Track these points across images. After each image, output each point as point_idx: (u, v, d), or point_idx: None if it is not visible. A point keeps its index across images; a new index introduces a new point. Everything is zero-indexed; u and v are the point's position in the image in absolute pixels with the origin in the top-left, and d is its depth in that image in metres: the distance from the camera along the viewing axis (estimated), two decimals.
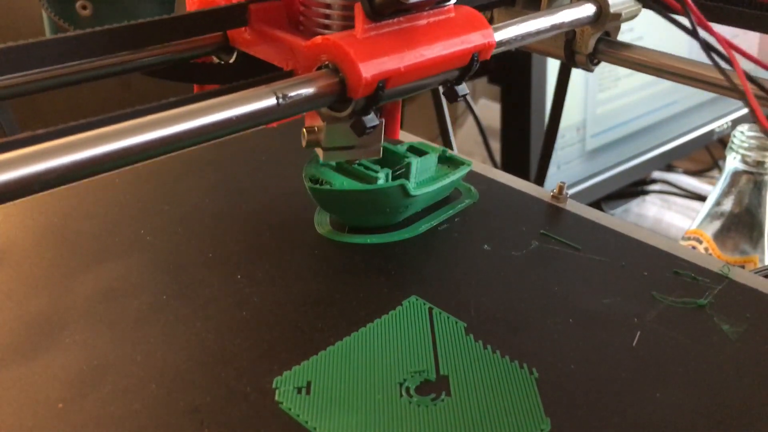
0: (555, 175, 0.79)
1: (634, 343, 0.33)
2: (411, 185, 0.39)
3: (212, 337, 0.33)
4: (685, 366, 0.32)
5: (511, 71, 0.78)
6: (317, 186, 0.40)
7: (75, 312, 0.34)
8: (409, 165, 0.40)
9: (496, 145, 0.86)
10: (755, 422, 0.29)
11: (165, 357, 0.31)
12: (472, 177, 0.46)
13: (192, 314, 0.34)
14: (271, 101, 0.24)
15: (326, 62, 0.27)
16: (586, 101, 0.83)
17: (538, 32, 0.34)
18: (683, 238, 0.64)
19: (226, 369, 0.31)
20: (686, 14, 0.30)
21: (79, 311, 0.34)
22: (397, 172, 0.40)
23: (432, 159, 0.42)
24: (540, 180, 0.74)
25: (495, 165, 0.87)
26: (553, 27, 0.35)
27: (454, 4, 0.30)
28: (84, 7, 0.54)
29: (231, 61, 0.33)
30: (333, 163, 0.42)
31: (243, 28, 0.32)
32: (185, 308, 0.34)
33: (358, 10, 0.27)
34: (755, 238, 0.60)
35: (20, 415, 0.28)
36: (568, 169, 0.83)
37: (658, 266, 0.38)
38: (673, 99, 0.94)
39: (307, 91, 0.26)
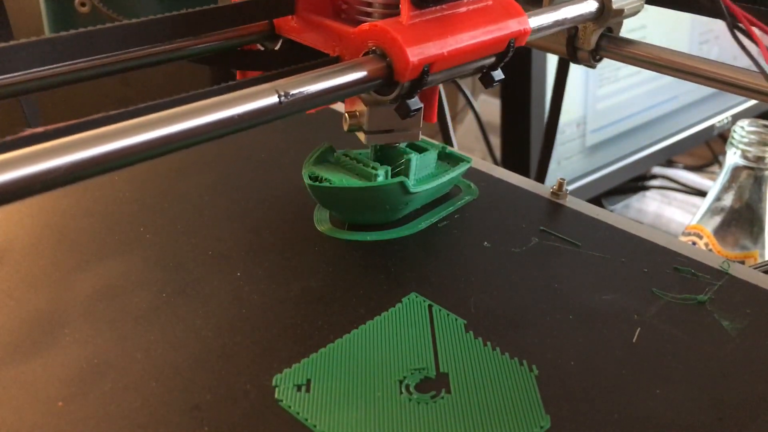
0: (555, 171, 0.79)
1: (634, 340, 0.33)
2: (410, 182, 0.39)
3: (212, 334, 0.33)
4: (685, 362, 0.32)
5: (510, 67, 0.78)
6: (317, 183, 0.39)
7: (75, 310, 0.34)
8: (408, 162, 0.40)
9: (496, 141, 0.86)
10: (756, 418, 0.29)
11: (165, 355, 0.31)
12: (472, 173, 0.46)
13: (192, 312, 0.34)
14: (321, 86, 0.25)
15: (373, 48, 0.28)
16: (586, 97, 0.83)
17: (541, 29, 0.34)
18: (683, 234, 0.64)
19: (226, 367, 0.31)
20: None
21: (79, 309, 0.34)
22: (397, 169, 0.40)
23: (432, 155, 0.42)
24: (541, 177, 0.74)
25: (495, 161, 0.87)
26: (556, 23, 0.35)
27: None
28: (83, 4, 0.54)
29: (276, 48, 0.34)
30: (332, 160, 0.42)
31: (290, 17, 0.33)
32: (185, 306, 0.34)
33: None
34: (755, 234, 0.60)
35: (20, 413, 0.28)
36: (568, 164, 0.83)
37: (658, 262, 0.38)
38: (674, 94, 0.94)
39: (356, 75, 0.27)
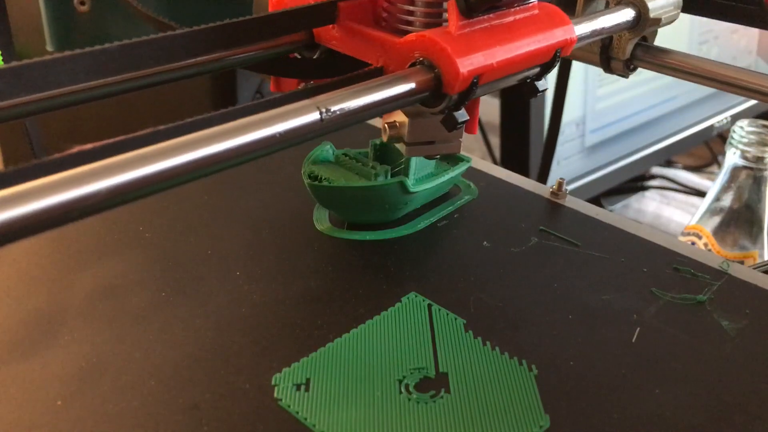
0: (554, 171, 0.79)
1: (633, 340, 0.33)
2: (410, 182, 0.39)
3: (211, 334, 0.32)
4: (684, 362, 0.32)
5: None
6: (316, 183, 0.39)
7: (74, 309, 0.34)
8: (408, 161, 0.40)
9: (495, 141, 0.86)
10: (755, 418, 0.29)
11: (164, 354, 0.31)
12: (472, 173, 0.46)
13: (191, 311, 0.34)
14: (366, 99, 0.24)
15: (420, 59, 0.27)
16: (586, 97, 0.83)
17: (581, 38, 0.33)
18: (683, 234, 0.64)
19: (225, 366, 0.31)
20: None
21: (78, 308, 0.34)
22: (396, 169, 0.40)
23: None
24: (543, 177, 0.74)
25: (494, 161, 0.87)
26: (594, 33, 0.34)
27: (538, 0, 0.30)
28: (82, 3, 0.54)
29: (314, 57, 0.34)
30: (332, 159, 0.42)
31: (330, 26, 0.32)
32: (184, 305, 0.34)
33: (452, 7, 0.27)
34: (755, 234, 0.60)
35: (19, 412, 0.28)
36: (568, 164, 0.83)
37: (658, 262, 0.38)
38: (673, 94, 0.94)
39: (403, 87, 0.26)
